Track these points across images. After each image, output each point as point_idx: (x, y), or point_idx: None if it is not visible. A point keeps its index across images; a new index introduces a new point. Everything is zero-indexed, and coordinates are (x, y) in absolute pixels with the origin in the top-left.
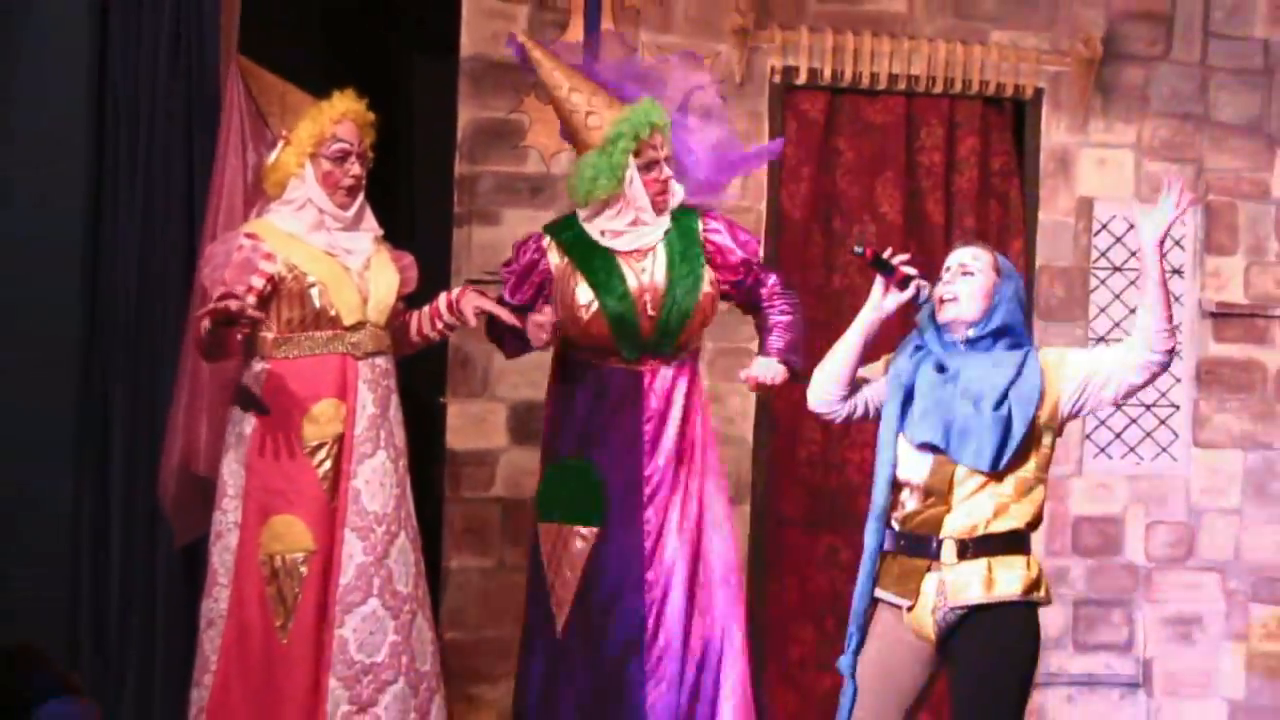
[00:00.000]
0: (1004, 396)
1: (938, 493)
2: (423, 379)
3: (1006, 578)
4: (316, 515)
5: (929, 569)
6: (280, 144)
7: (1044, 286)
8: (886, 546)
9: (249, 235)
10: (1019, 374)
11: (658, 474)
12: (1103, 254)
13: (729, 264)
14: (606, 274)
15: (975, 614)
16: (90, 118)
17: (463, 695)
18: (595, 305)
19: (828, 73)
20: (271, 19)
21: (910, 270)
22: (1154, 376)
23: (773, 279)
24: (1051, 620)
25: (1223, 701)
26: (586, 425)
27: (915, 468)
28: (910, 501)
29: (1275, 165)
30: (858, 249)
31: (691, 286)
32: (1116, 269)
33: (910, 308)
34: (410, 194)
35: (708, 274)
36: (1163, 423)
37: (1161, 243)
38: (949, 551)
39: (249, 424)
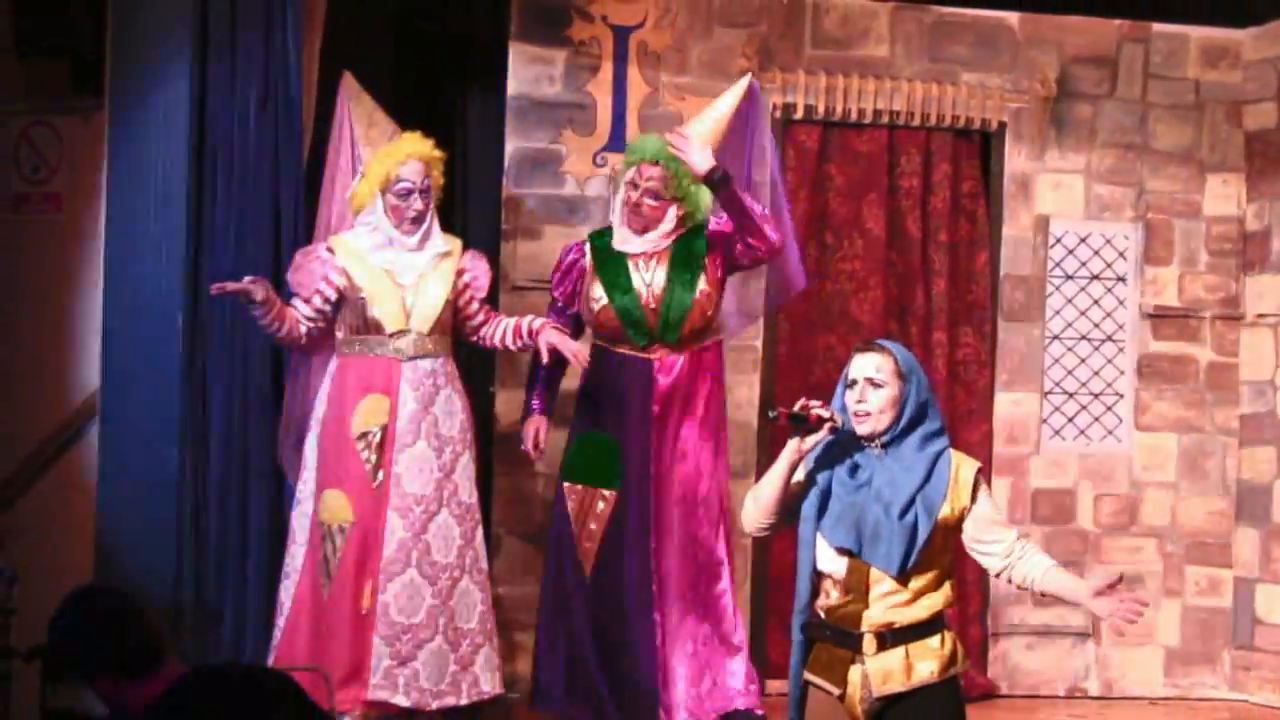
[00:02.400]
0: (912, 502)
1: (856, 590)
2: (476, 370)
3: (923, 664)
4: (359, 492)
5: (853, 660)
6: (358, 177)
7: (1007, 292)
8: (815, 634)
9: (328, 249)
10: (928, 479)
11: (664, 450)
12: (1057, 264)
13: (727, 235)
14: (616, 274)
15: (899, 700)
16: (191, 149)
17: (508, 642)
18: (604, 300)
19: (821, 109)
20: (347, 63)
21: (822, 413)
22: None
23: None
24: None
25: (1160, 649)
26: (603, 400)
27: (834, 564)
28: (833, 592)
29: (1205, 188)
30: (771, 414)
31: (689, 284)
32: (1068, 277)
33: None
34: (464, 213)
35: (706, 277)
36: (1109, 409)
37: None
38: (869, 644)
39: (322, 409)
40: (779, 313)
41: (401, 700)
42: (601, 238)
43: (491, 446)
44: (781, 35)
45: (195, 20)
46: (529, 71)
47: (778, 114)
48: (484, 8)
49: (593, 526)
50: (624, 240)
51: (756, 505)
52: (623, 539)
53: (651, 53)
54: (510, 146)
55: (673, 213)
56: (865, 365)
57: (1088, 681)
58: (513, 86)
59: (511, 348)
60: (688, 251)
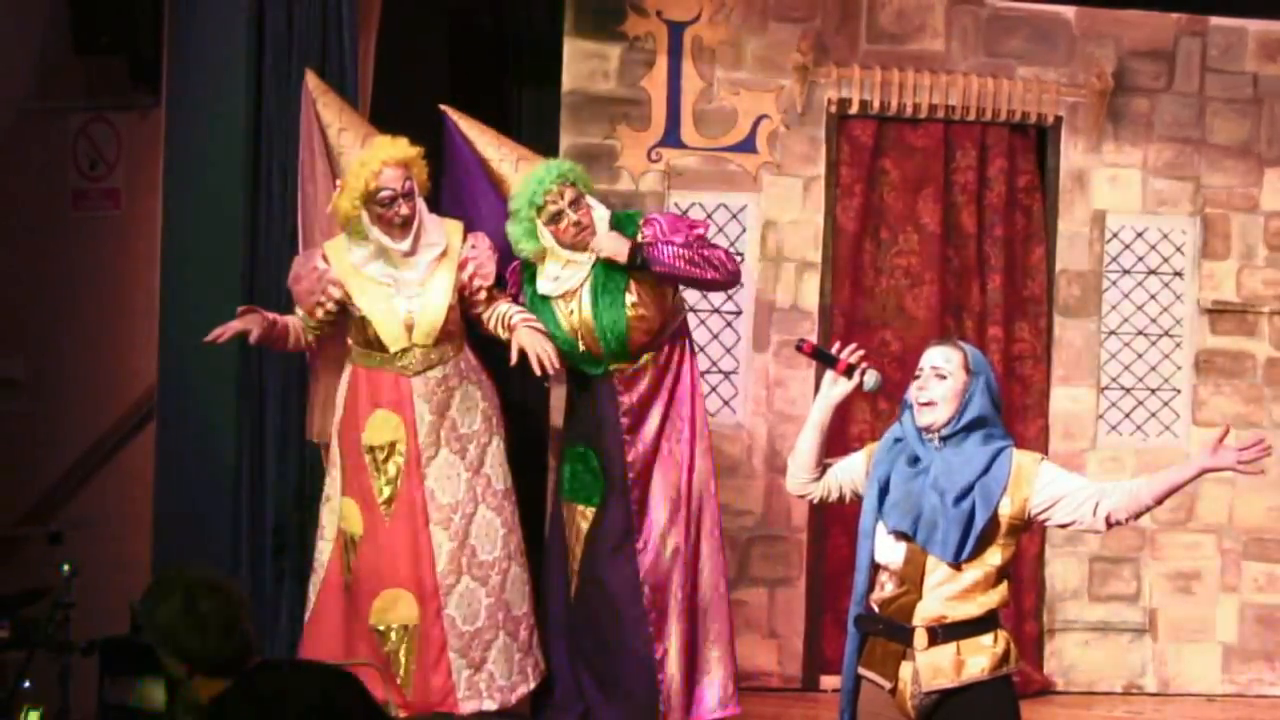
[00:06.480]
0: (969, 490)
1: (910, 580)
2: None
3: (974, 660)
4: (367, 507)
5: (904, 654)
6: (336, 191)
7: (1062, 287)
8: (867, 628)
9: (323, 257)
10: (986, 470)
11: (640, 459)
12: (1114, 259)
13: None
14: (546, 322)
15: (949, 697)
16: (248, 145)
17: None
18: None
19: (876, 103)
20: (403, 61)
21: (852, 360)
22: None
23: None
24: (1070, 574)
25: (1217, 645)
26: (580, 414)
27: (891, 554)
28: (889, 584)
29: (1263, 182)
30: (798, 345)
31: (613, 306)
32: (1125, 272)
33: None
34: None
35: (634, 295)
36: (1166, 404)
37: (1205, 472)
38: (920, 638)
39: (339, 414)
40: (834, 308)
41: (490, 705)
42: (532, 281)
43: (547, 441)
44: (836, 30)
45: (252, 17)
46: (583, 67)
47: (833, 109)
48: (539, 3)
49: (575, 546)
50: (544, 282)
51: (796, 464)
52: (602, 558)
53: (706, 48)
54: (565, 142)
55: (592, 208)
56: (934, 356)
57: (1144, 678)
58: (567, 82)
59: (502, 337)
60: (605, 276)
